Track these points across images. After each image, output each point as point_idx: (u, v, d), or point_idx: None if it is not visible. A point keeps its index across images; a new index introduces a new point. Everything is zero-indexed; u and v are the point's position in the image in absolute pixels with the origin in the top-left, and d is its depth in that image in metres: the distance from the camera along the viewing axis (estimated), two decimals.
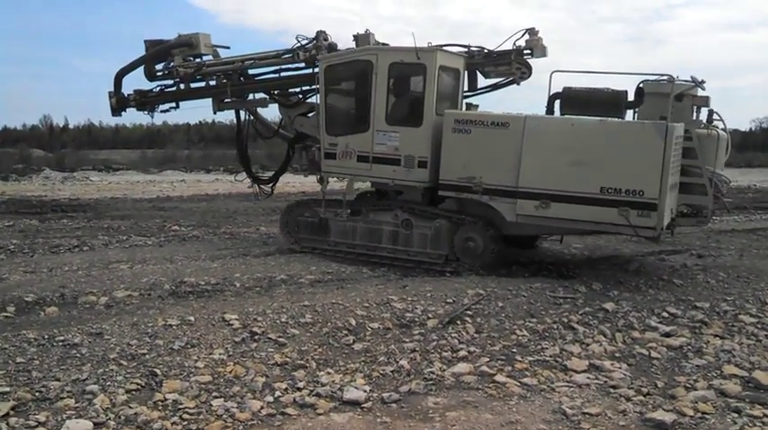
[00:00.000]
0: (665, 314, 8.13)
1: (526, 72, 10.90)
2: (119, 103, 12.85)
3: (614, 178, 9.28)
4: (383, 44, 11.11)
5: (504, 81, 11.24)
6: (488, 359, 6.61)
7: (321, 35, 11.23)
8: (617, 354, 6.86)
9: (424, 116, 10.27)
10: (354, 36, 11.06)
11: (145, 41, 12.47)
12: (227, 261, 10.39)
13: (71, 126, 60.39)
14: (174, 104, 12.93)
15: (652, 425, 5.23)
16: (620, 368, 6.46)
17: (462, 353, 6.75)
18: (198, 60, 12.24)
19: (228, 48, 12.64)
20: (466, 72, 11.10)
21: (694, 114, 10.09)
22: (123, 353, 6.36)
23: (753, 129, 63.41)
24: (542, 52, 10.75)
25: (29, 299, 8.07)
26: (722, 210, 10.24)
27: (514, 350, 6.88)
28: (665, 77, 9.77)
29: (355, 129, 10.85)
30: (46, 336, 6.68)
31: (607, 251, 11.65)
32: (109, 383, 5.74)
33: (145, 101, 12.79)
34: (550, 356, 6.73)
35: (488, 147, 9.89)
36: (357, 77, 10.93)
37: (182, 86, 12.54)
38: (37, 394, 5.49)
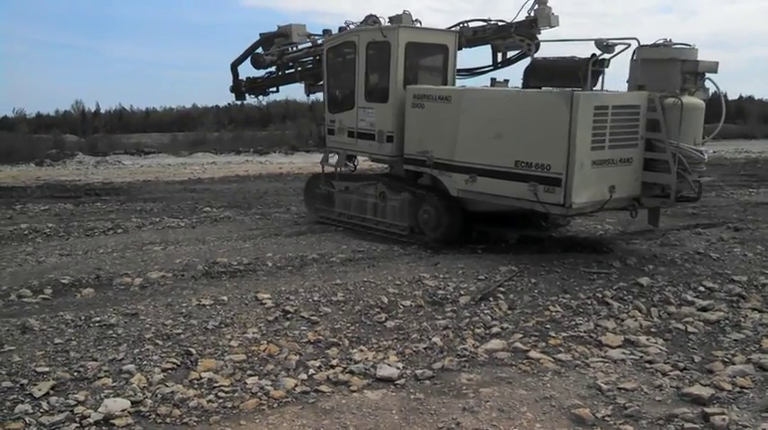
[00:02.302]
0: (701, 288, 8.01)
1: (531, 44, 10.65)
2: (236, 90, 13.98)
3: (526, 152, 8.99)
4: (415, 22, 11.12)
5: (515, 55, 11.13)
6: (522, 335, 6.58)
7: (370, 18, 11.28)
8: (653, 329, 6.79)
9: (390, 92, 10.60)
10: (389, 18, 11.07)
11: (260, 34, 13.29)
12: (258, 241, 10.44)
13: (102, 111, 60.95)
14: (274, 89, 13.95)
15: (689, 400, 5.17)
16: (655, 343, 6.39)
17: (495, 329, 6.73)
18: (281, 49, 13.01)
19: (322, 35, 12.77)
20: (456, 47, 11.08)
21: (681, 80, 9.21)
22: (158, 333, 6.44)
23: None
24: (548, 22, 10.41)
25: (65, 281, 8.18)
26: (689, 191, 9.13)
27: (548, 326, 6.84)
28: (661, 42, 9.28)
29: (346, 106, 11.47)
30: (83, 317, 6.78)
31: (641, 226, 11.45)
32: (145, 362, 5.81)
33: (254, 86, 13.73)
34: (585, 332, 6.68)
35: (436, 121, 9.99)
36: (346, 58, 11.44)
37: (279, 73, 13.47)
38: (75, 374, 5.58)
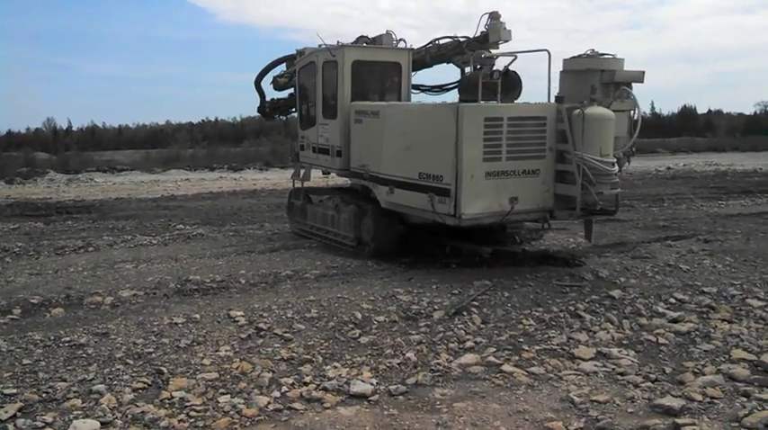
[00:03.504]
0: (672, 300, 8.08)
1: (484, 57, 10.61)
2: (261, 110, 14.06)
3: (426, 164, 9.16)
4: (400, 41, 11.41)
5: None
6: (495, 349, 6.58)
7: (361, 38, 11.56)
8: (624, 341, 6.83)
9: (338, 109, 10.93)
10: (373, 38, 11.27)
11: (296, 50, 13.04)
12: (231, 258, 10.39)
13: (74, 128, 60.50)
14: (294, 109, 13.80)
15: (661, 411, 5.19)
16: (627, 355, 6.43)
17: (469, 343, 6.73)
18: (291, 70, 12.97)
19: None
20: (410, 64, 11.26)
21: (598, 91, 9.16)
22: (129, 353, 6.37)
23: (757, 112, 63.05)
24: (498, 36, 10.42)
25: (34, 300, 8.07)
26: (592, 205, 8.90)
27: (521, 339, 6.85)
28: (588, 53, 9.34)
29: (311, 123, 11.89)
30: (52, 337, 6.70)
31: (612, 238, 11.60)
32: (115, 382, 5.74)
33: (276, 107, 13.82)
34: (557, 345, 6.70)
35: (370, 135, 10.24)
36: (310, 77, 11.79)
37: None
38: (44, 395, 5.50)
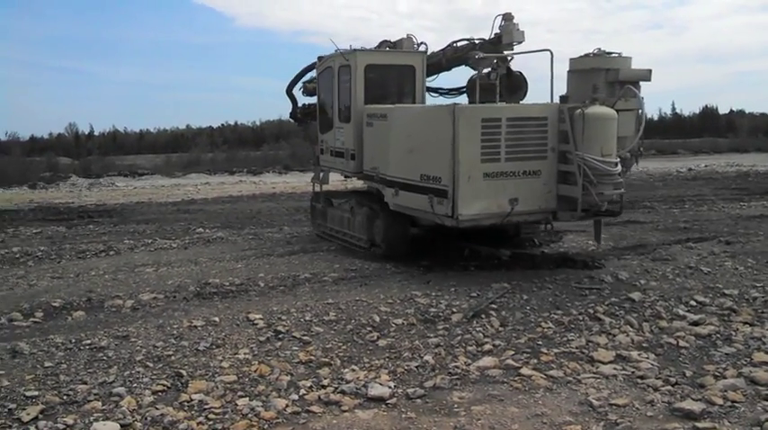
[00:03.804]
0: (692, 302, 8.01)
1: (497, 61, 10.65)
2: (294, 116, 14.07)
3: (427, 165, 9.19)
4: (421, 44, 11.44)
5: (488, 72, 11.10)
6: (514, 352, 6.56)
7: (384, 43, 11.62)
8: (644, 344, 6.77)
9: (351, 113, 11.00)
10: (393, 42, 11.40)
11: (318, 57, 13.18)
12: (251, 261, 10.44)
13: (96, 133, 61.10)
14: None
15: (680, 414, 5.16)
16: (647, 358, 6.38)
17: (487, 346, 6.71)
18: None
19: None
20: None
21: (600, 90, 9.11)
22: (149, 355, 6.43)
23: None
24: (511, 37, 10.39)
25: (56, 304, 8.16)
26: (593, 206, 8.83)
27: (540, 342, 6.82)
28: (594, 52, 9.28)
29: (329, 127, 12.00)
30: (73, 340, 6.77)
31: (632, 241, 11.50)
32: (135, 385, 5.80)
33: (307, 112, 13.75)
34: (576, 348, 6.66)
35: (380, 138, 10.28)
36: (328, 82, 11.92)
37: None
38: (65, 397, 5.56)
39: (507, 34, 10.27)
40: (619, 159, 8.93)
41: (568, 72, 9.48)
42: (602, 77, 9.14)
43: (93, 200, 22.63)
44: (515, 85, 10.29)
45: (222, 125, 64.59)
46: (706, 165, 31.23)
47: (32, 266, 10.46)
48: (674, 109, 67.75)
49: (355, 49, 10.96)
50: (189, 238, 12.84)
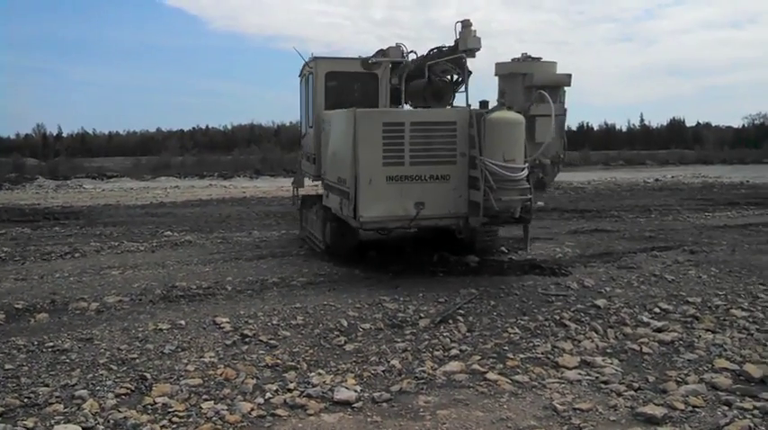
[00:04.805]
0: (656, 309, 8.11)
1: (450, 68, 10.59)
2: None
3: (340, 168, 9.44)
4: (410, 53, 11.38)
5: (455, 80, 11.08)
6: (480, 357, 6.59)
7: (380, 52, 11.50)
8: (608, 350, 6.85)
9: (313, 118, 11.21)
10: (382, 51, 11.35)
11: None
12: (218, 265, 10.38)
13: (65, 134, 60.42)
14: None
15: (643, 419, 5.22)
16: (611, 364, 6.44)
17: (454, 351, 6.73)
18: None
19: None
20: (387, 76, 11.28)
21: (518, 95, 9.17)
22: (113, 358, 6.36)
23: (746, 125, 63.60)
24: (465, 44, 10.13)
25: (19, 306, 8.04)
26: (496, 212, 8.70)
27: (506, 348, 6.86)
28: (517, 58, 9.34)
29: (305, 132, 12.27)
30: (35, 343, 6.68)
31: (599, 249, 11.63)
32: (98, 388, 5.73)
33: None
34: (542, 353, 6.71)
35: (326, 142, 10.49)
36: (303, 88, 12.19)
37: None
38: (25, 400, 5.47)
39: (463, 41, 10.27)
40: (525, 166, 8.78)
41: (497, 76, 9.61)
42: (520, 82, 9.19)
43: (59, 202, 22.38)
44: (439, 92, 10.45)
45: (193, 128, 64.34)
46: (673, 176, 31.73)
47: None
48: (642, 120, 68.84)
49: (317, 57, 11.10)
50: (156, 241, 12.72)
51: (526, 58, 9.28)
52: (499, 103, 8.96)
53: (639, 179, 29.60)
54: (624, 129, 69.54)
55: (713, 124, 66.53)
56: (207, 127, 65.03)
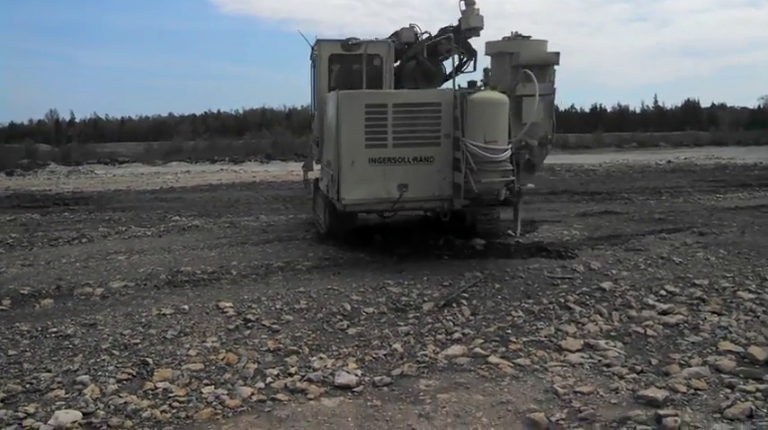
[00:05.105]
0: (662, 292, 8.04)
1: (454, 48, 10.48)
2: None
3: (328, 150, 9.43)
4: (424, 34, 11.32)
5: (459, 61, 11.00)
6: (483, 340, 6.56)
7: (404, 31, 11.48)
8: (612, 333, 6.80)
9: (318, 101, 11.13)
10: (395, 32, 11.37)
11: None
12: (224, 249, 10.39)
13: (77, 120, 60.68)
14: None
15: (644, 402, 5.17)
16: (614, 346, 6.40)
17: (457, 335, 6.71)
18: None
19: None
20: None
21: (491, 74, 9.14)
22: (116, 343, 6.38)
23: (761, 106, 62.94)
24: (467, 23, 10.15)
25: (24, 291, 8.09)
26: (471, 193, 8.63)
27: (509, 331, 6.83)
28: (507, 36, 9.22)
29: (314, 116, 12.15)
30: (39, 328, 6.71)
31: (607, 231, 11.55)
32: (100, 373, 5.74)
33: None
34: (545, 337, 6.67)
35: (323, 125, 10.45)
36: (312, 71, 11.95)
37: None
38: (27, 386, 5.49)
39: (465, 20, 10.15)
40: (508, 147, 8.66)
41: (486, 55, 9.57)
42: (508, 61, 9.07)
43: (70, 187, 22.49)
44: (428, 73, 10.46)
45: (205, 113, 64.46)
46: (686, 158, 31.49)
47: (3, 253, 10.36)
48: (656, 102, 68.29)
49: (320, 39, 11.03)
50: (164, 226, 12.76)
51: (516, 36, 9.17)
52: (483, 83, 8.88)
53: (652, 161, 29.40)
54: (638, 110, 69.13)
55: (728, 105, 65.90)
56: (218, 111, 65.19)
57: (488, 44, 9.51)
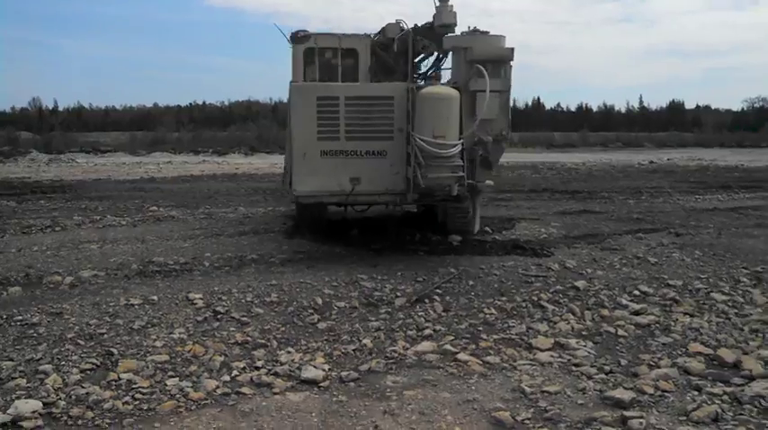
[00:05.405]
0: (636, 292, 8.03)
1: (428, 45, 10.45)
2: None
3: (288, 142, 9.38)
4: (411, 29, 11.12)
5: (431, 58, 10.94)
6: (453, 337, 6.52)
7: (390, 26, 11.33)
8: (584, 332, 6.78)
9: None
10: (382, 28, 11.23)
11: None
12: (199, 241, 10.29)
13: (61, 108, 60.17)
14: None
15: (610, 403, 5.15)
16: (585, 346, 6.37)
17: (427, 331, 6.67)
18: None
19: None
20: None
21: (440, 69, 9.30)
22: (81, 333, 6.28)
23: (745, 108, 63.43)
24: (440, 19, 10.05)
25: None
26: (418, 188, 8.63)
27: (480, 328, 6.79)
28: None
29: None
30: (4, 316, 6.61)
31: (584, 230, 11.55)
32: (63, 363, 5.65)
33: None
34: (516, 334, 6.64)
35: None
36: None
37: None
38: None
39: (438, 16, 10.10)
40: (457, 142, 8.58)
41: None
42: (463, 56, 9.04)
43: (50, 175, 22.29)
44: (386, 68, 10.57)
45: (190, 104, 64.09)
46: (669, 159, 31.64)
47: None
48: (641, 102, 68.61)
49: (295, 32, 10.82)
50: (140, 216, 12.64)
51: (473, 31, 9.12)
52: (431, 78, 8.95)
53: (635, 161, 29.48)
54: (623, 110, 69.41)
55: (713, 107, 66.36)
56: (204, 103, 64.81)
57: (446, 39, 9.52)
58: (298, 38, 10.48)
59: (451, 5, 9.93)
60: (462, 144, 8.65)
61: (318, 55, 10.77)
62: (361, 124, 8.83)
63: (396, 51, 10.93)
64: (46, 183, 19.23)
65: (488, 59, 8.94)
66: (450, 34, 9.67)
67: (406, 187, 8.92)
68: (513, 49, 9.06)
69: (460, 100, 8.70)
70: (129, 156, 33.60)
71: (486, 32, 9.13)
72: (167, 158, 32.46)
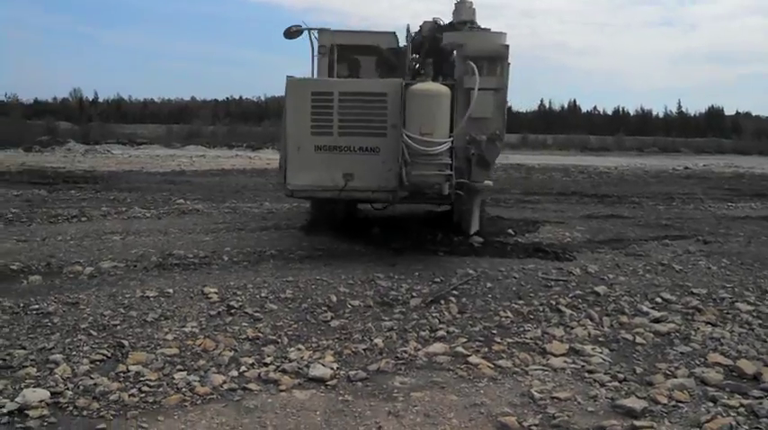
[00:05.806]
0: (658, 299, 7.85)
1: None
2: None
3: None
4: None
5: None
6: (466, 340, 6.43)
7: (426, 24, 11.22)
8: (600, 339, 6.64)
9: None
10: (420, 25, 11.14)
11: None
12: (220, 235, 10.34)
13: (101, 100, 61.06)
14: None
15: (621, 411, 5.02)
16: (600, 353, 6.23)
17: (441, 333, 6.58)
18: None
19: None
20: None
21: (430, 66, 9.04)
22: (95, 324, 6.32)
23: None
24: (459, 16, 9.79)
25: (14, 267, 8.07)
26: (403, 188, 8.65)
27: (494, 331, 6.69)
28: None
29: None
30: (21, 305, 6.68)
31: (610, 235, 11.37)
32: (74, 353, 5.68)
33: None
34: (531, 339, 6.53)
35: None
36: None
37: None
38: (0, 362, 5.45)
39: (457, 13, 10.00)
40: (446, 140, 8.49)
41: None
42: (459, 52, 9.00)
43: (84, 166, 22.60)
44: (389, 65, 10.51)
45: (227, 98, 64.58)
46: (704, 165, 31.08)
47: (1, 228, 10.37)
48: (679, 107, 67.53)
49: (321, 29, 10.85)
50: (166, 209, 12.75)
51: (471, 27, 9.04)
52: (424, 74, 8.85)
53: (669, 166, 29.02)
54: (661, 115, 68.39)
55: (753, 114, 65.08)
56: (240, 97, 65.26)
57: (445, 35, 9.42)
58: (290, 32, 10.48)
59: (471, 2, 9.82)
60: (452, 142, 8.58)
61: (342, 51, 10.75)
62: (354, 120, 8.85)
63: (427, 49, 10.88)
64: (78, 173, 19.51)
65: (483, 56, 8.84)
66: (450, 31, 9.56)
67: (398, 184, 8.87)
68: (507, 47, 8.95)
69: (452, 97, 8.63)
70: (164, 148, 33.96)
71: (487, 29, 9.05)
72: (201, 152, 32.78)
